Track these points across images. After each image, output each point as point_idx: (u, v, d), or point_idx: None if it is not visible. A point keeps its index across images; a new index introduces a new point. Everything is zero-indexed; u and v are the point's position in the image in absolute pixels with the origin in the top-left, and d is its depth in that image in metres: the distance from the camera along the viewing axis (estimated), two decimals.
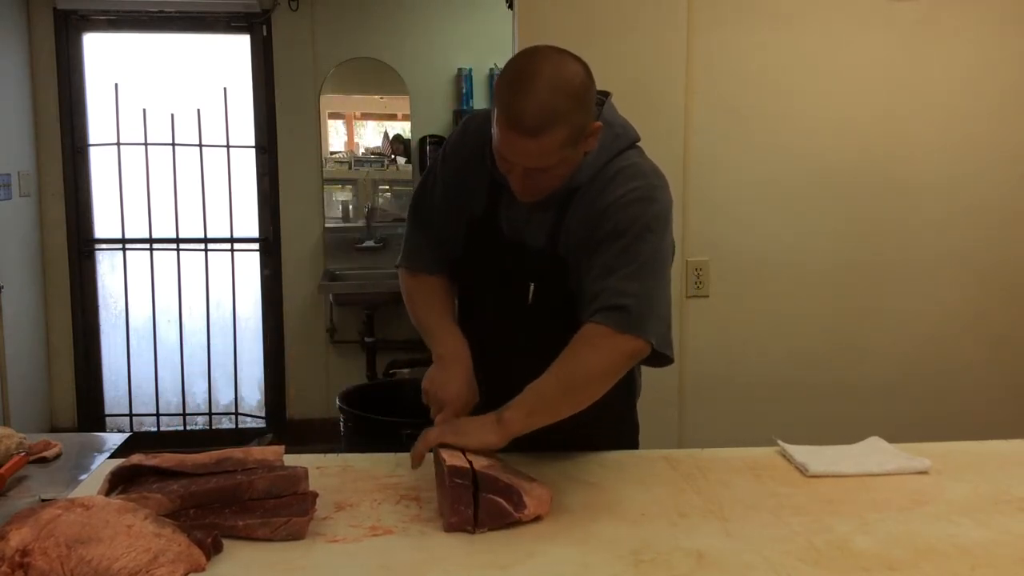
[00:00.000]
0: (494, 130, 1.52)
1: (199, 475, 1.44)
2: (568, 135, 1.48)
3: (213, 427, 4.89)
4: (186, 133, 4.64)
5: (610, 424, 1.79)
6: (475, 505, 1.42)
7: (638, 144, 1.70)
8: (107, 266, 4.80)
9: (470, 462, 1.47)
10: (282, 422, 4.80)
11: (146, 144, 4.63)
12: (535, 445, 1.65)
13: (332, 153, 4.90)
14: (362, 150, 5.01)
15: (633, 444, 1.89)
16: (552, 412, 1.55)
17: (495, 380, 1.66)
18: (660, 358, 1.62)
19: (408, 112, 4.87)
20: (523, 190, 1.57)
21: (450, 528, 1.41)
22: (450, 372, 1.67)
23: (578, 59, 1.54)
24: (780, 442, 1.78)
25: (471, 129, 1.73)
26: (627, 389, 1.79)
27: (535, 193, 1.58)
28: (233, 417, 4.91)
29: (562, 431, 1.58)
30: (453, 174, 1.74)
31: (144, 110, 4.60)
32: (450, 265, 1.78)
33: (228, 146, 4.67)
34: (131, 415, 4.82)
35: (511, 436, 1.53)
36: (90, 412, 4.78)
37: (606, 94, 1.69)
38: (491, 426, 1.53)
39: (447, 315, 1.76)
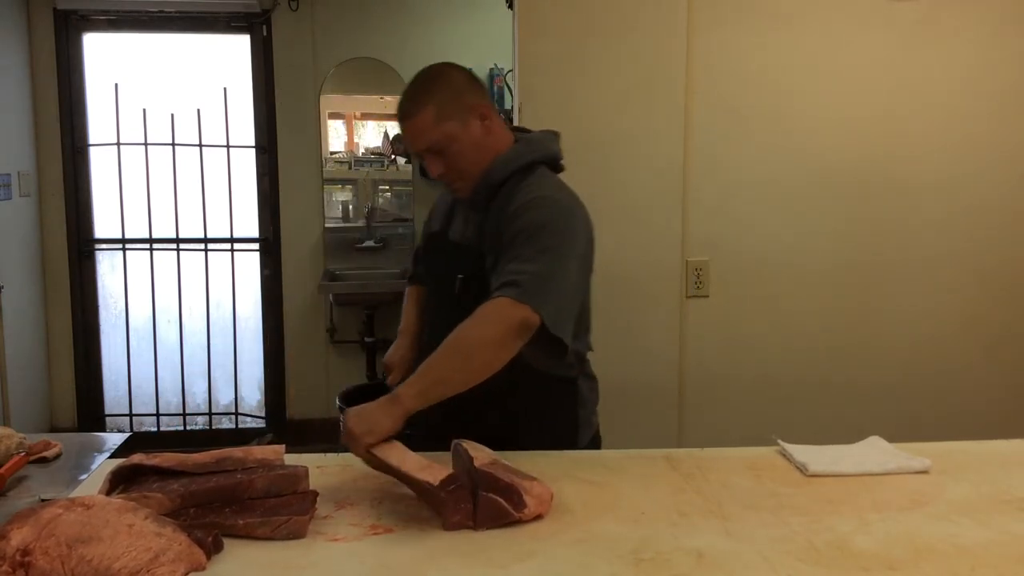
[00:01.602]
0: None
1: (199, 474, 1.44)
2: (437, 111, 1.74)
3: (213, 427, 4.89)
4: (186, 133, 4.64)
5: (545, 426, 1.85)
6: (474, 504, 1.42)
7: (560, 164, 1.89)
8: (107, 266, 4.80)
9: (471, 459, 1.47)
10: (282, 422, 4.80)
11: (146, 144, 4.63)
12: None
13: (332, 153, 4.90)
14: (362, 150, 5.01)
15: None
16: (443, 382, 1.59)
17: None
18: (556, 344, 1.67)
19: None
20: (443, 178, 1.80)
21: (451, 527, 1.41)
22: (399, 341, 2.01)
23: (449, 63, 1.85)
24: (780, 442, 1.78)
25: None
26: (567, 393, 1.88)
27: (457, 180, 1.81)
28: (233, 417, 4.91)
29: (489, 428, 1.66)
30: (432, 214, 2.06)
31: (144, 110, 4.60)
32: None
33: (228, 146, 4.67)
34: (131, 415, 4.82)
35: (407, 413, 1.55)
36: (90, 412, 4.77)
37: (556, 133, 1.94)
38: (386, 408, 1.55)
39: (414, 305, 2.08)
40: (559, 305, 1.66)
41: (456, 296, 1.79)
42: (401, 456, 1.49)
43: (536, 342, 1.65)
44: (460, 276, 1.80)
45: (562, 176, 1.89)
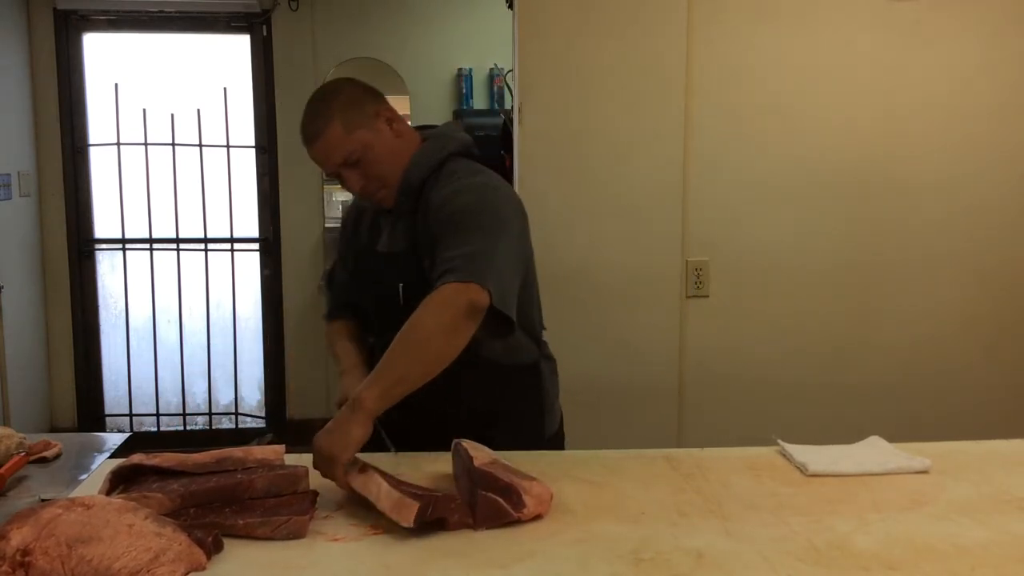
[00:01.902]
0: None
1: (199, 474, 1.45)
2: (344, 123, 1.72)
3: (213, 427, 4.89)
4: (186, 133, 4.64)
5: (513, 418, 1.85)
6: (474, 504, 1.42)
7: (474, 151, 1.88)
8: (107, 266, 4.80)
9: (471, 459, 1.47)
10: (282, 422, 4.80)
11: (146, 144, 4.63)
12: (432, 444, 1.72)
13: None
14: None
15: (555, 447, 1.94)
16: (401, 378, 1.55)
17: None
18: (503, 323, 1.64)
19: (408, 112, 4.87)
20: (365, 191, 1.77)
21: (451, 527, 1.41)
22: (347, 380, 1.80)
23: (340, 79, 1.88)
24: (780, 442, 1.78)
25: (354, 199, 2.00)
26: (531, 377, 1.88)
27: (380, 190, 1.78)
28: (233, 417, 4.91)
29: (460, 428, 1.64)
30: (347, 239, 2.01)
31: (144, 110, 4.60)
32: (349, 308, 2.01)
33: (228, 146, 4.67)
34: (131, 415, 4.82)
35: (371, 415, 1.52)
36: (90, 412, 4.77)
37: (459, 122, 1.92)
38: (351, 417, 1.50)
39: (347, 339, 1.94)
40: (500, 281, 1.61)
41: (401, 306, 1.72)
42: (377, 491, 1.43)
43: (483, 327, 1.62)
44: (402, 284, 1.77)
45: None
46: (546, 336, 1.99)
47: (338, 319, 2.00)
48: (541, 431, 1.92)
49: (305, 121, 1.76)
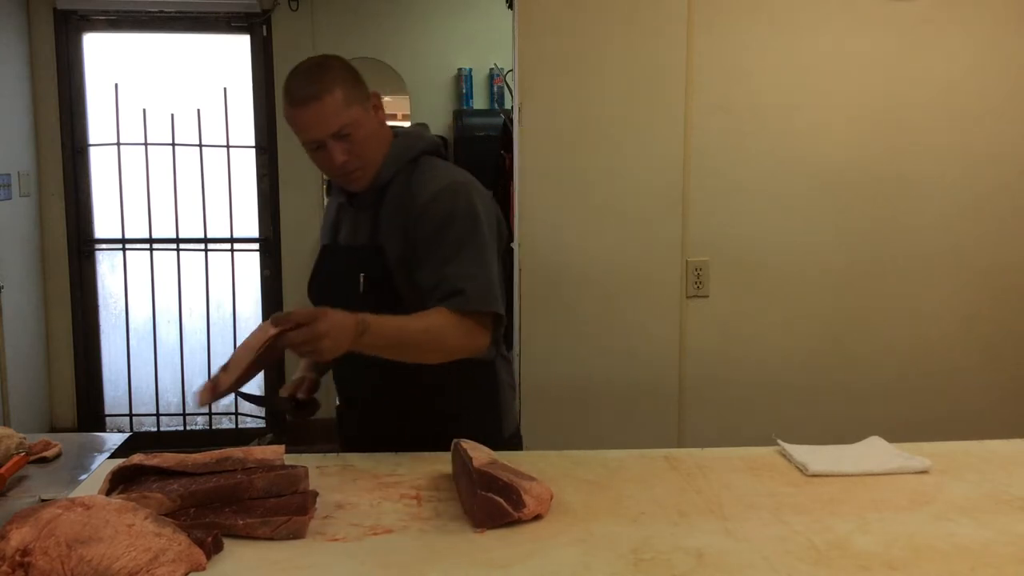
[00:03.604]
0: (298, 137, 1.75)
1: (199, 474, 1.45)
2: (345, 94, 1.72)
3: (213, 427, 4.89)
4: (186, 133, 4.64)
5: (474, 417, 1.87)
6: (473, 504, 1.42)
7: (443, 151, 1.91)
8: (107, 266, 4.80)
9: (471, 459, 1.47)
10: (282, 422, 4.80)
11: (146, 144, 4.63)
12: (390, 444, 1.77)
13: None
14: None
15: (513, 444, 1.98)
16: (400, 353, 1.69)
17: (352, 370, 1.88)
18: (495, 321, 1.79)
19: (408, 112, 4.87)
20: (347, 167, 1.75)
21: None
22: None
23: (335, 55, 1.84)
24: (780, 441, 1.78)
25: (326, 207, 2.07)
26: (488, 376, 1.91)
27: (359, 169, 1.77)
28: (233, 417, 4.90)
29: (420, 429, 1.73)
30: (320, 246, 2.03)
31: (144, 110, 4.60)
32: None
33: (228, 146, 4.67)
34: (131, 415, 4.82)
35: (360, 346, 1.60)
36: (90, 412, 4.77)
37: (425, 125, 2.00)
38: (351, 332, 1.58)
39: None
40: (500, 298, 1.76)
41: (361, 294, 1.79)
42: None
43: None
44: (363, 274, 1.80)
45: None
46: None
47: None
48: (500, 430, 1.92)
49: (299, 83, 1.73)
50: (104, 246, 4.77)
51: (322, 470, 1.66)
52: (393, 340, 1.66)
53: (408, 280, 1.78)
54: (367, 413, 1.92)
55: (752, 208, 2.89)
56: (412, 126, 1.96)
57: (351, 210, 1.88)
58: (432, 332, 1.69)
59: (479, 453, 1.51)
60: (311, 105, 1.70)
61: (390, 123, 1.92)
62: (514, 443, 1.97)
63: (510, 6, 2.98)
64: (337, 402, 2.02)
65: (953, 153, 2.91)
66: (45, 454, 1.75)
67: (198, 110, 4.61)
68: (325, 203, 2.00)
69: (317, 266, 1.96)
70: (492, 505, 1.41)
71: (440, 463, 1.66)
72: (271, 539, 1.37)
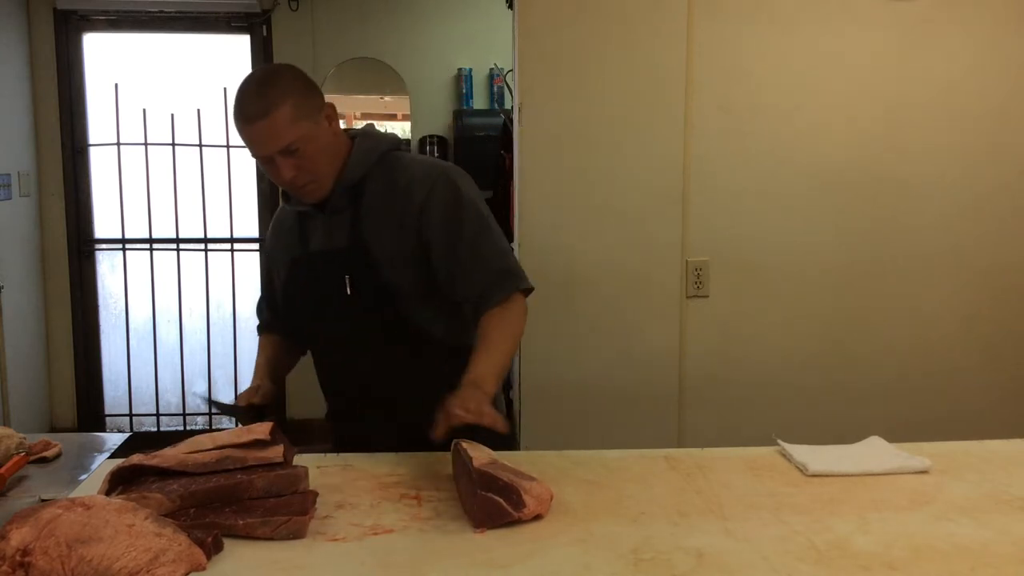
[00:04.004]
0: (247, 146, 1.73)
1: (199, 474, 1.44)
2: (294, 109, 1.68)
3: (213, 427, 4.88)
4: (186, 133, 4.64)
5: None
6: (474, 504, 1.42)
7: (405, 146, 1.96)
8: (107, 266, 4.81)
9: (471, 459, 1.47)
10: (282, 422, 4.79)
11: (146, 144, 4.63)
12: (383, 437, 1.79)
13: None
14: None
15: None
16: (504, 367, 1.75)
17: (341, 372, 1.93)
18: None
19: (408, 112, 4.87)
20: (295, 182, 1.74)
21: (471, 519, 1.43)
22: (258, 384, 1.96)
23: (285, 64, 1.82)
24: (780, 441, 1.78)
25: (276, 212, 2.01)
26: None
27: (311, 183, 1.76)
28: (233, 417, 4.90)
29: (413, 419, 1.67)
30: (271, 258, 2.01)
31: (144, 110, 4.60)
32: (278, 323, 2.04)
33: (228, 146, 4.67)
34: (131, 415, 4.83)
35: (490, 397, 1.65)
36: (90, 412, 4.78)
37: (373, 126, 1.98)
38: (477, 394, 1.61)
39: (266, 360, 2.04)
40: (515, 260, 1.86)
41: (348, 296, 1.80)
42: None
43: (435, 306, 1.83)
44: (348, 276, 1.80)
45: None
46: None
47: (270, 332, 2.06)
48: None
49: (248, 98, 1.70)
50: (104, 246, 4.77)
51: (322, 470, 1.66)
52: (500, 375, 1.72)
53: (406, 274, 1.79)
54: (359, 413, 1.92)
55: (752, 208, 2.89)
56: (364, 127, 1.94)
57: (321, 216, 1.85)
58: (516, 334, 1.79)
59: (479, 453, 1.51)
60: (259, 121, 1.67)
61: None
62: (508, 438, 1.95)
63: (510, 6, 2.98)
64: (327, 410, 2.03)
65: (953, 153, 2.91)
66: (45, 454, 1.75)
67: (198, 110, 4.62)
68: (277, 213, 2.00)
69: (290, 279, 1.91)
70: (492, 505, 1.41)
71: (440, 463, 1.66)
72: (271, 539, 1.37)
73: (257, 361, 2.04)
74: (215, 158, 4.68)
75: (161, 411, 4.84)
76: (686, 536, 1.39)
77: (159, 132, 4.62)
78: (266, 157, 1.72)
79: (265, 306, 2.09)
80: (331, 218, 1.84)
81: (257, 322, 2.12)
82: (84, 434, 2.18)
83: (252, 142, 1.72)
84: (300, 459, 1.58)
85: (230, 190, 4.70)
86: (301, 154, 1.71)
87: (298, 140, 1.70)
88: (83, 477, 1.67)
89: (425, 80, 4.84)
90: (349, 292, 1.80)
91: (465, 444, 1.54)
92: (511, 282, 1.80)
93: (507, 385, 1.86)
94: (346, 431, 1.97)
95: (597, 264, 2.85)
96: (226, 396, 4.89)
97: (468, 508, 1.46)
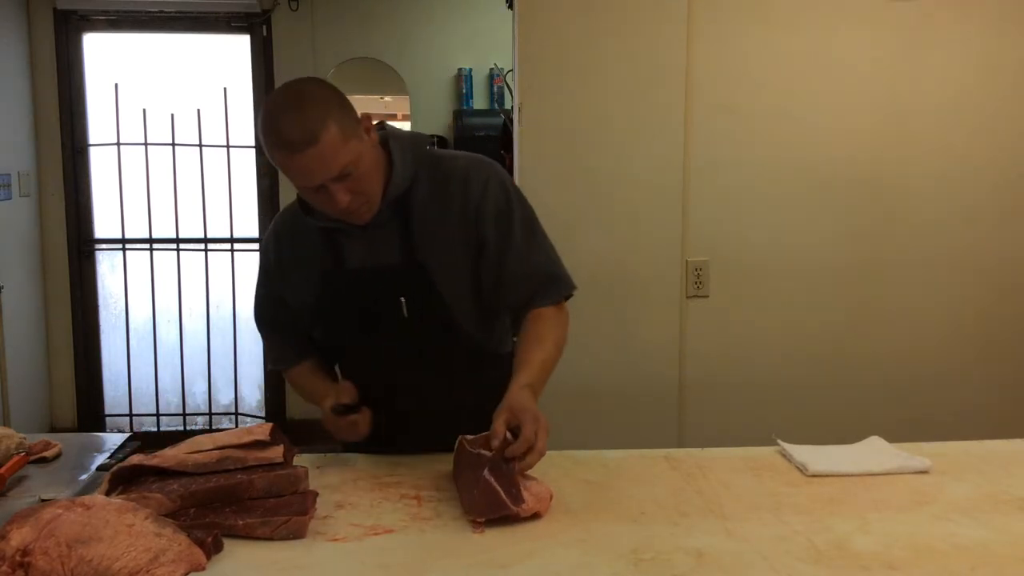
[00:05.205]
0: (292, 181, 1.58)
1: (199, 475, 1.45)
2: (340, 128, 1.52)
3: (213, 427, 4.88)
4: (186, 133, 4.64)
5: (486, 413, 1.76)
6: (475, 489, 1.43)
7: (431, 142, 1.85)
8: (107, 266, 4.80)
9: (479, 452, 1.48)
10: (282, 422, 4.80)
11: (146, 144, 4.63)
12: (423, 442, 1.74)
13: None
14: None
15: None
16: (548, 375, 1.70)
17: (393, 397, 1.76)
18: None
19: (408, 112, 4.87)
20: (352, 207, 1.59)
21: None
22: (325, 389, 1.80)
23: (310, 78, 1.65)
24: (780, 441, 1.78)
25: (280, 222, 1.81)
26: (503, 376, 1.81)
27: (364, 205, 1.62)
28: (233, 417, 4.90)
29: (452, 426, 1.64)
30: (281, 273, 1.80)
31: (144, 110, 4.60)
32: (308, 349, 1.87)
33: (228, 146, 4.67)
34: (131, 415, 4.82)
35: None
36: (90, 412, 4.77)
37: (383, 124, 1.79)
38: (535, 404, 1.57)
39: (324, 378, 1.87)
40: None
41: (404, 319, 1.70)
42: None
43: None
44: (403, 298, 1.69)
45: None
46: None
47: (301, 361, 1.87)
48: None
49: (287, 125, 1.50)
50: (104, 246, 4.77)
51: (322, 470, 1.67)
52: (547, 376, 1.69)
53: (460, 283, 1.72)
54: (379, 414, 1.78)
55: (752, 208, 2.89)
56: (391, 128, 1.76)
57: (358, 229, 1.68)
58: (560, 342, 1.72)
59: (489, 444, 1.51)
60: (310, 148, 1.49)
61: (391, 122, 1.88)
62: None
63: (510, 6, 2.98)
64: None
65: (954, 152, 2.91)
66: (45, 454, 1.75)
67: (198, 110, 4.61)
68: (285, 222, 1.80)
69: (324, 296, 1.74)
70: (492, 494, 1.41)
71: (440, 463, 1.66)
72: (271, 539, 1.37)
73: (304, 384, 1.88)
74: (215, 158, 4.68)
75: (161, 411, 4.84)
76: (686, 536, 1.39)
77: (159, 132, 4.62)
78: (316, 186, 1.55)
79: (282, 344, 1.88)
80: (375, 232, 1.68)
81: (276, 357, 1.91)
82: (84, 434, 2.18)
83: (302, 172, 1.53)
84: (300, 459, 1.58)
85: (230, 190, 4.70)
86: (354, 176, 1.56)
87: (350, 162, 1.54)
88: (83, 477, 1.67)
89: (425, 80, 4.84)
90: (406, 315, 1.69)
91: (472, 438, 1.54)
92: (558, 289, 1.76)
93: None
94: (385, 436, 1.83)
95: (597, 264, 2.84)
96: (226, 396, 4.90)
97: (468, 499, 1.46)
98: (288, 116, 1.51)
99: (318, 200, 1.59)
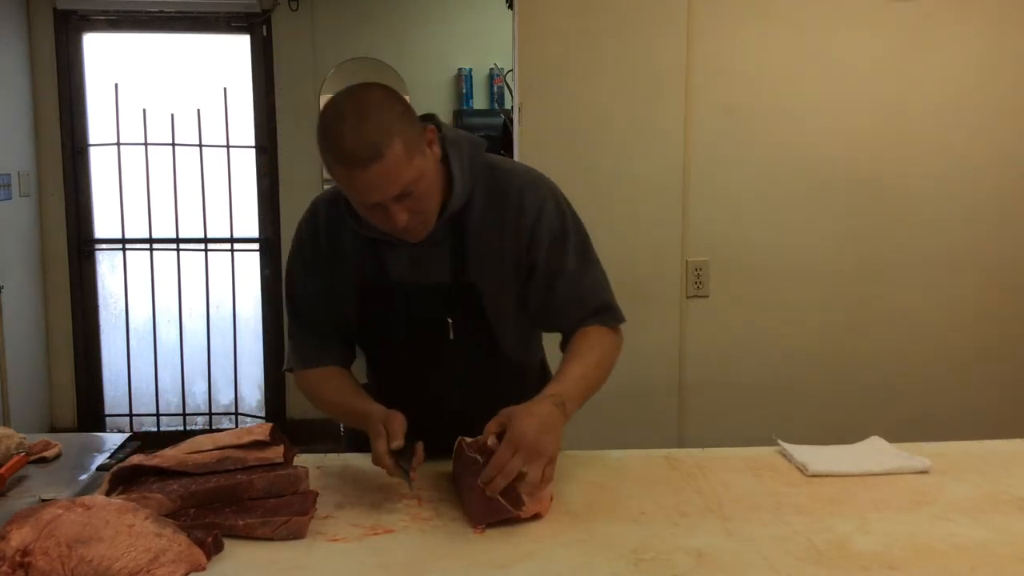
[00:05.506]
0: (348, 195, 1.51)
1: (199, 475, 1.44)
2: (405, 144, 1.42)
3: (213, 427, 4.88)
4: (186, 133, 4.64)
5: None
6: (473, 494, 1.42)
7: (483, 141, 1.71)
8: (107, 266, 4.80)
9: (475, 458, 1.48)
10: (282, 422, 4.80)
11: (146, 144, 4.63)
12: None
13: None
14: None
15: None
16: (591, 391, 1.66)
17: (434, 420, 1.61)
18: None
19: None
20: (409, 226, 1.51)
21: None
22: (371, 408, 1.62)
23: (374, 84, 1.52)
24: (780, 441, 1.78)
25: (321, 210, 1.70)
26: (542, 376, 1.82)
27: (421, 224, 1.54)
28: (233, 417, 4.91)
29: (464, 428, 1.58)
30: (316, 266, 1.70)
31: (144, 110, 4.60)
32: (342, 352, 1.76)
33: (228, 146, 4.67)
34: (131, 415, 4.82)
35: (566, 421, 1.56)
36: (90, 412, 4.77)
37: (431, 116, 1.65)
38: (558, 418, 1.51)
39: (358, 391, 1.71)
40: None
41: (450, 340, 1.64)
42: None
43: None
44: (450, 319, 1.63)
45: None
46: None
47: (323, 365, 1.74)
48: None
49: (350, 137, 1.40)
50: (104, 246, 4.77)
51: (322, 470, 1.66)
52: (584, 396, 1.62)
53: (506, 303, 1.67)
54: (432, 418, 1.64)
55: (752, 208, 2.89)
56: (448, 128, 1.64)
57: (407, 245, 1.59)
58: (603, 363, 1.66)
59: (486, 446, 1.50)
60: (372, 165, 1.40)
61: None
62: None
63: (510, 6, 2.98)
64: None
65: (954, 153, 2.91)
66: (45, 454, 1.75)
67: (198, 110, 4.61)
68: (323, 220, 1.70)
69: (363, 306, 1.67)
70: (491, 500, 1.41)
71: (440, 463, 1.66)
72: (271, 539, 1.37)
73: (330, 396, 1.73)
74: (215, 158, 4.68)
75: (161, 411, 4.84)
76: (686, 536, 1.39)
77: (159, 132, 4.62)
78: (375, 204, 1.47)
79: (309, 341, 1.75)
80: (428, 248, 1.61)
81: (295, 357, 1.78)
82: (84, 434, 2.18)
83: (361, 189, 1.44)
84: (300, 459, 1.58)
85: (230, 190, 4.70)
86: (415, 195, 1.47)
87: (412, 181, 1.44)
88: (83, 477, 1.67)
89: (425, 80, 4.83)
90: (452, 337, 1.64)
91: (470, 440, 1.54)
92: (606, 319, 1.70)
93: None
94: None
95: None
96: (226, 396, 4.90)
97: (467, 504, 1.46)
98: (349, 126, 1.41)
99: (372, 215, 1.51)
